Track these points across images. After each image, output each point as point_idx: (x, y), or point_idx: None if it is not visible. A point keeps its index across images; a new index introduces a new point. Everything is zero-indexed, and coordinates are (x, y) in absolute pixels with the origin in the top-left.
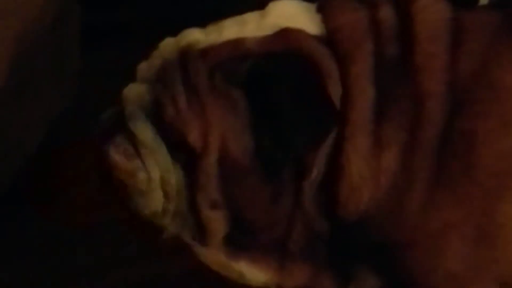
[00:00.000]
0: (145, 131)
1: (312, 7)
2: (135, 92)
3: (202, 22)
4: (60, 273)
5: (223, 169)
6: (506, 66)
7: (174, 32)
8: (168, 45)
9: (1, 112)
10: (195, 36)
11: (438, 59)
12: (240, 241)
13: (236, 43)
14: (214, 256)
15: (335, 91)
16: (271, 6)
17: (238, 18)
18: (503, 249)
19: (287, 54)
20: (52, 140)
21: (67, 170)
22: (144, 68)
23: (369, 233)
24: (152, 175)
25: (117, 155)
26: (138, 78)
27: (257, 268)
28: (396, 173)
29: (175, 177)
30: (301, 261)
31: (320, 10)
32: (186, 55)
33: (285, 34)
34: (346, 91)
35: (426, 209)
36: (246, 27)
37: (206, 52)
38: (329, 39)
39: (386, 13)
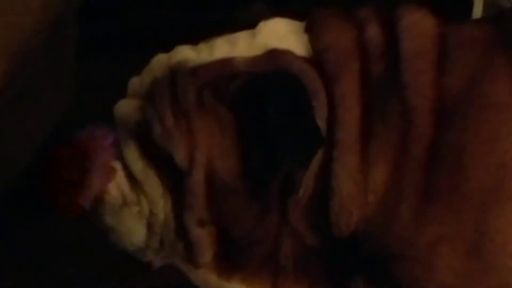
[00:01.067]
0: (135, 162)
1: (301, 26)
2: (125, 109)
3: (198, 33)
4: (58, 279)
5: (209, 187)
6: (496, 81)
7: (170, 44)
8: (159, 62)
9: None
10: (186, 54)
11: (425, 76)
12: (231, 259)
13: (225, 63)
14: (206, 277)
15: (321, 113)
16: (261, 26)
17: (229, 37)
18: (494, 262)
19: (276, 74)
20: (49, 147)
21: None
22: (135, 83)
23: (362, 248)
24: (143, 208)
25: (124, 180)
26: (129, 93)
27: (251, 287)
28: (385, 190)
29: (163, 206)
30: (294, 278)
31: (308, 30)
32: (175, 73)
33: (274, 55)
34: (333, 110)
35: (416, 224)
36: (237, 46)
37: (195, 70)
38: (316, 59)
39: (373, 32)
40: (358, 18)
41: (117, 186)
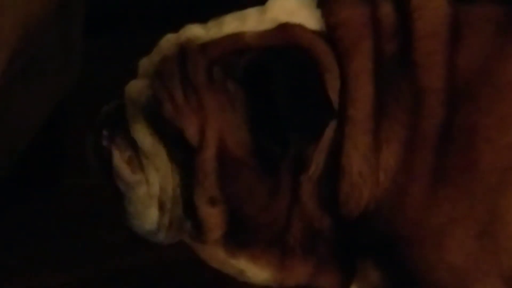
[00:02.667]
0: (145, 138)
1: (312, 2)
2: (135, 88)
3: (205, 12)
4: (56, 258)
5: (220, 164)
6: (508, 61)
7: (178, 22)
8: (168, 41)
9: (7, 91)
10: (195, 31)
11: (437, 56)
12: (239, 238)
13: (236, 37)
14: (213, 253)
15: (333, 86)
16: (271, 2)
17: (238, 14)
18: (505, 243)
19: (286, 48)
20: (56, 121)
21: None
22: (145, 64)
23: (371, 229)
24: (152, 188)
25: (122, 164)
26: (139, 74)
27: (257, 265)
28: (396, 170)
29: (172, 183)
30: (301, 258)
31: (320, 5)
32: (185, 50)
33: (285, 28)
34: (346, 87)
35: (428, 205)
36: (246, 22)
37: (205, 46)
38: (329, 35)
39: (386, 11)
40: None
41: (121, 162)
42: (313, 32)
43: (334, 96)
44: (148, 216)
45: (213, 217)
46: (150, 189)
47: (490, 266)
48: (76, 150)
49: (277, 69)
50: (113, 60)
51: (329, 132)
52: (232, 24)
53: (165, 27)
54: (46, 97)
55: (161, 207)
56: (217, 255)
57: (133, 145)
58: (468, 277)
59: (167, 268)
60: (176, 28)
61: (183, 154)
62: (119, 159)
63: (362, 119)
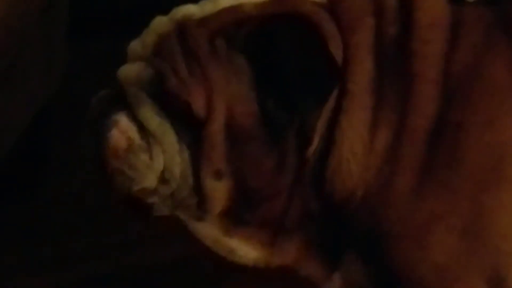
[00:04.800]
0: (151, 118)
1: None
2: (132, 71)
3: None
4: (50, 259)
5: (228, 135)
6: (497, 62)
7: None
8: (161, 21)
9: None
10: (190, 9)
11: (434, 46)
12: (238, 215)
13: (235, 9)
14: (208, 230)
15: (336, 54)
16: None
17: None
18: (487, 243)
19: (287, 16)
20: (39, 125)
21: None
22: (136, 46)
23: (357, 220)
24: (155, 162)
25: (122, 134)
26: (130, 57)
27: (249, 244)
28: (385, 156)
29: (179, 163)
30: (292, 239)
31: None
32: (183, 26)
33: None
34: (346, 61)
35: (413, 199)
36: None
37: (204, 20)
38: (331, 7)
39: None
40: None
41: (120, 131)
42: (313, 2)
43: (338, 58)
44: (146, 177)
45: (218, 192)
46: (153, 162)
47: (473, 265)
48: (60, 154)
49: (280, 35)
50: (96, 64)
51: (331, 101)
52: None
53: None
54: (29, 101)
55: (163, 182)
56: (211, 233)
57: (135, 123)
58: (451, 276)
59: (149, 272)
60: None
61: (190, 133)
62: (127, 122)
63: (359, 94)
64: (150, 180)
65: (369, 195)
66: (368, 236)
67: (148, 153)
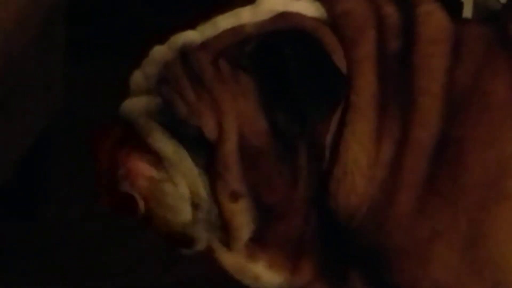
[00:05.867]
0: (166, 145)
1: None
2: (138, 103)
3: None
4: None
5: (241, 155)
6: (498, 79)
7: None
8: (161, 50)
9: None
10: (189, 35)
11: (437, 61)
12: (261, 236)
13: (236, 30)
14: (233, 259)
15: (341, 65)
16: None
17: (230, 12)
18: (487, 260)
19: (289, 32)
20: (39, 150)
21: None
22: (139, 78)
23: (360, 237)
24: (180, 188)
25: (143, 164)
26: (134, 89)
27: (273, 269)
28: (389, 169)
29: (203, 187)
30: (309, 259)
31: None
32: (186, 52)
33: (284, 16)
34: (349, 74)
35: (415, 215)
36: (241, 17)
37: (206, 44)
38: (332, 23)
39: (390, 11)
40: None
41: (136, 175)
42: (314, 18)
43: (343, 68)
44: (182, 211)
45: (237, 215)
46: (178, 188)
47: (473, 283)
48: (59, 180)
49: (284, 50)
50: (94, 88)
51: (337, 114)
52: (227, 20)
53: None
54: (27, 128)
55: (196, 207)
56: (236, 261)
57: (150, 155)
58: None
59: None
60: None
61: (203, 154)
62: (140, 163)
63: (363, 107)
64: (185, 211)
65: (373, 210)
66: (371, 253)
67: (171, 182)
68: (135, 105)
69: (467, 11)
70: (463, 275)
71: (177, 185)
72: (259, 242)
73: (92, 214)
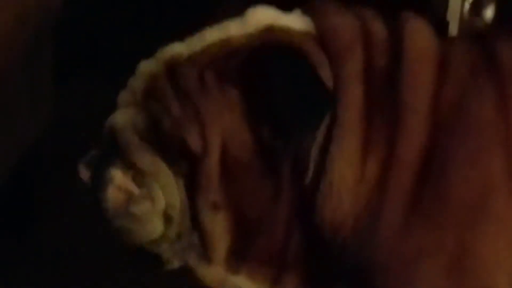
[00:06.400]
0: (144, 157)
1: (296, 11)
2: (124, 117)
3: None
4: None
5: (223, 168)
6: (483, 99)
7: None
8: (148, 65)
9: None
10: (176, 48)
11: (423, 78)
12: (240, 250)
13: (223, 43)
14: (213, 272)
15: (327, 82)
16: (250, 11)
17: (217, 26)
18: (474, 279)
19: (276, 46)
20: (26, 169)
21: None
22: (126, 94)
23: (346, 253)
24: (157, 203)
25: (126, 180)
26: (120, 105)
27: (254, 282)
28: (375, 186)
29: (179, 197)
30: (292, 275)
31: (309, 12)
32: (172, 65)
33: (272, 29)
34: (336, 90)
35: (400, 233)
36: (229, 29)
37: (192, 57)
38: (320, 37)
39: (377, 27)
40: (361, 14)
41: (116, 188)
42: (301, 32)
43: (329, 83)
44: (153, 228)
45: (217, 225)
46: (155, 204)
47: None
48: (46, 196)
49: (271, 65)
50: (83, 105)
51: (322, 129)
52: (214, 33)
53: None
54: (15, 145)
55: (168, 220)
56: (216, 273)
57: (130, 169)
58: None
59: None
60: None
61: (186, 166)
62: (122, 176)
63: (349, 122)
64: (156, 227)
65: (358, 226)
66: (356, 270)
67: (149, 199)
68: (120, 118)
69: (453, 30)
70: None
71: (153, 199)
72: (239, 256)
73: (80, 232)
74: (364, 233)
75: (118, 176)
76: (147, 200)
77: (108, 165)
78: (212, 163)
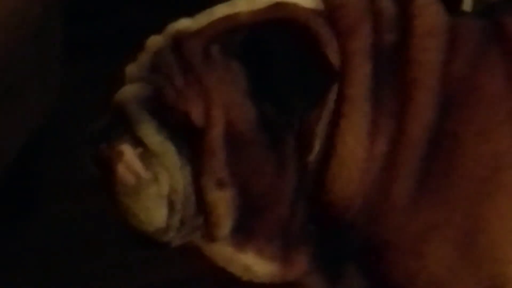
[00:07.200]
0: (152, 136)
1: None
2: (130, 92)
3: None
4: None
5: (228, 142)
6: (492, 73)
7: None
8: (155, 40)
9: None
10: (184, 23)
11: (431, 54)
12: (246, 226)
13: (230, 18)
14: (221, 250)
15: (333, 58)
16: None
17: (226, 3)
18: (484, 253)
19: (282, 22)
20: (34, 148)
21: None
22: (133, 68)
23: (356, 230)
24: (161, 188)
25: (135, 159)
26: (128, 79)
27: (263, 259)
28: (384, 162)
29: (182, 181)
30: (300, 251)
31: None
32: (178, 38)
33: (279, 6)
34: (344, 66)
35: (409, 209)
36: (237, 6)
37: (199, 31)
38: (328, 14)
39: (386, 3)
40: None
41: (125, 166)
42: (309, 9)
43: (334, 59)
44: (158, 215)
45: (222, 202)
46: (160, 188)
47: (470, 276)
48: (54, 176)
49: (276, 41)
50: (91, 84)
51: (330, 105)
52: (222, 9)
53: None
54: (23, 124)
55: (171, 206)
56: (224, 252)
57: (136, 144)
58: (448, 287)
59: None
60: None
61: (190, 144)
62: (132, 154)
63: (358, 99)
64: (161, 214)
65: (367, 203)
66: (366, 246)
67: (156, 183)
68: (128, 92)
69: (467, 5)
70: (459, 268)
71: (159, 183)
72: (245, 232)
73: (87, 212)
74: (373, 209)
75: (127, 152)
76: (154, 184)
77: (116, 139)
78: (216, 137)
